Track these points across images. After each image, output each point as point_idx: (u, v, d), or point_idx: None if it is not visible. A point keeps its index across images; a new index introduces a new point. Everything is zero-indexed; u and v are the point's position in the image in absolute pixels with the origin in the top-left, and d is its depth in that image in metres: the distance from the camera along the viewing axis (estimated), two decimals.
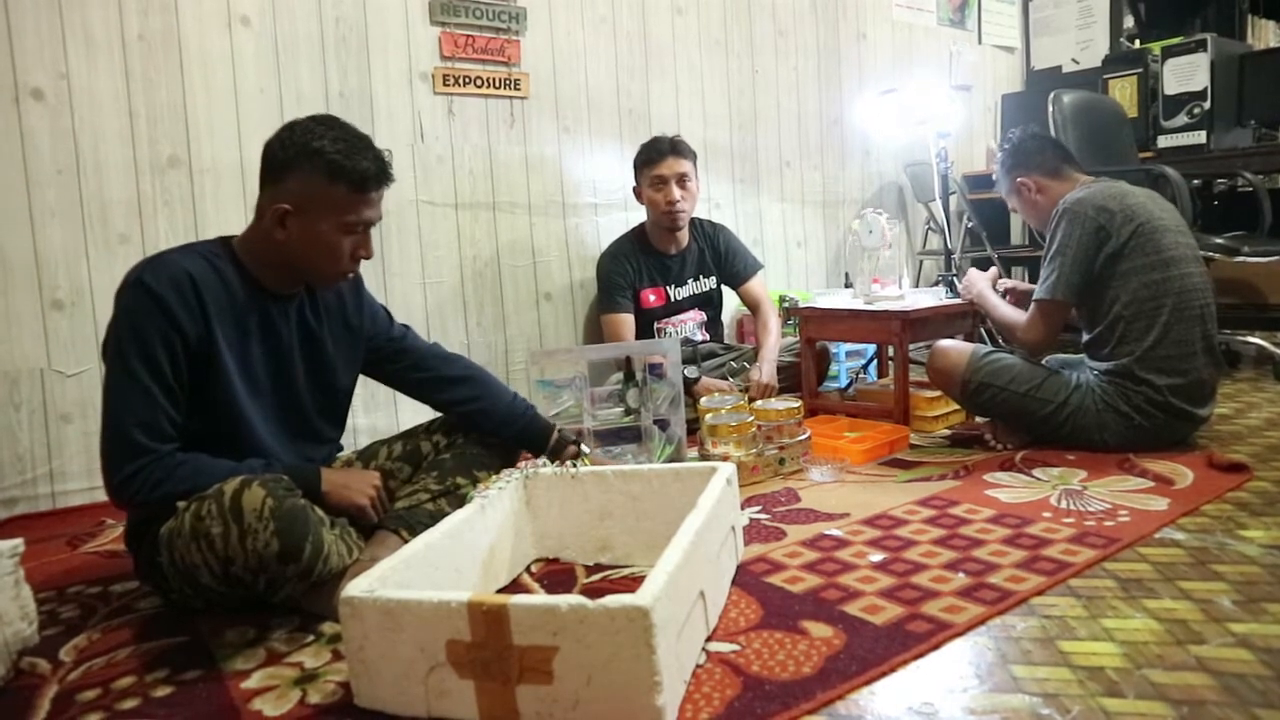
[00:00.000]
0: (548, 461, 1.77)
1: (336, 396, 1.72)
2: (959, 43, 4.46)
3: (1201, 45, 3.59)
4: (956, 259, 3.38)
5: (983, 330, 2.95)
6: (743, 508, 1.88)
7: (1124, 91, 3.84)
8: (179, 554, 1.32)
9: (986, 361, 2.25)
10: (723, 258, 2.97)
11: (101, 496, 1.91)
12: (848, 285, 3.48)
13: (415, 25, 2.71)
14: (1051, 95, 3.26)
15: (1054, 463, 2.11)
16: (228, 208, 2.40)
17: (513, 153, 2.93)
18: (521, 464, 1.80)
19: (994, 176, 2.45)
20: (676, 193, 2.75)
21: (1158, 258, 2.09)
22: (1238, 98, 3.68)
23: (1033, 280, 2.51)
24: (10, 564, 1.31)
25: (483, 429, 1.81)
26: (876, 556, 1.59)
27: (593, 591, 1.46)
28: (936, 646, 1.23)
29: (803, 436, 2.23)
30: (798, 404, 2.26)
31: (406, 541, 1.45)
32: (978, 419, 2.51)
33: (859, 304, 2.67)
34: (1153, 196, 2.22)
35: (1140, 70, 3.80)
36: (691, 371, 2.61)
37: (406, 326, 1.85)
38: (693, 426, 2.35)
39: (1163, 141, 3.68)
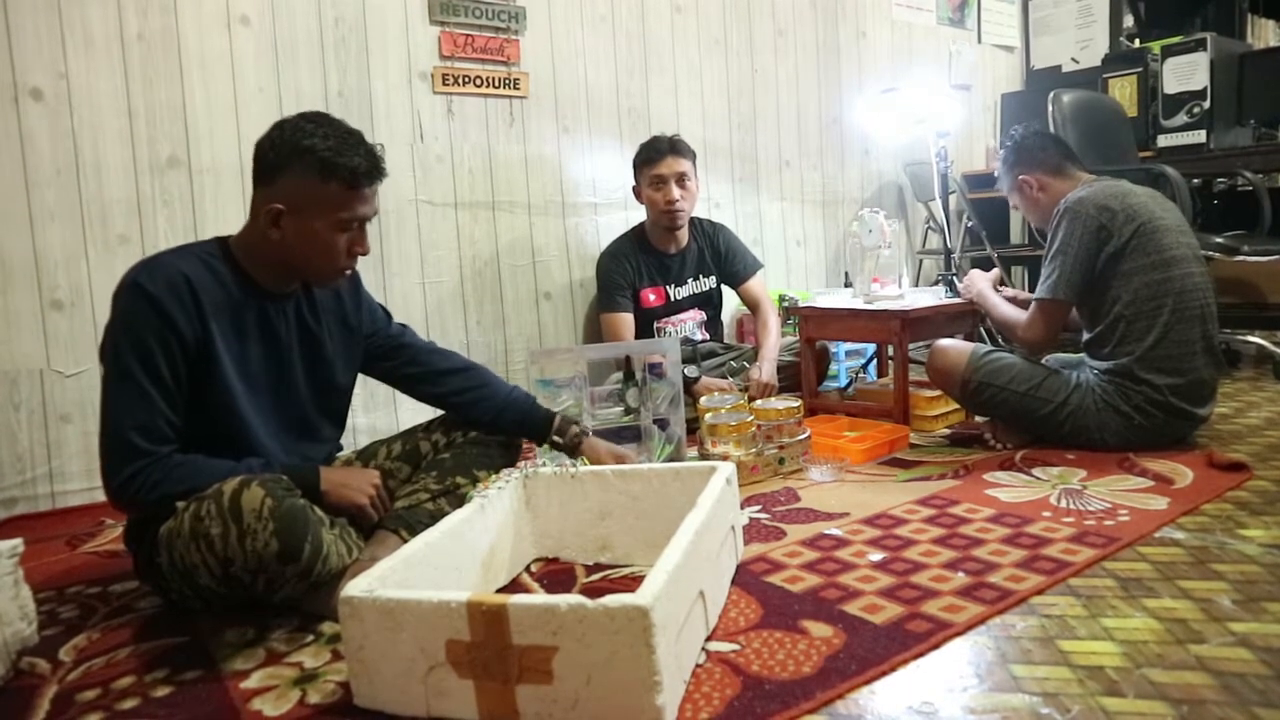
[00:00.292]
0: (552, 455, 1.77)
1: (335, 396, 1.72)
2: (958, 42, 4.46)
3: (1201, 44, 3.59)
4: (956, 258, 3.38)
5: (982, 330, 2.95)
6: (742, 507, 1.88)
7: (1124, 91, 3.84)
8: (178, 554, 1.32)
9: (986, 361, 2.25)
10: (722, 257, 2.97)
11: (101, 496, 1.91)
12: (847, 285, 3.48)
13: (414, 25, 2.71)
14: (1051, 95, 3.26)
15: (1054, 462, 2.11)
16: (227, 208, 2.39)
17: (512, 152, 2.93)
18: (521, 463, 1.80)
19: (996, 173, 2.45)
20: (676, 192, 2.75)
21: (1159, 257, 2.09)
22: (1237, 97, 3.68)
23: (1033, 280, 2.51)
24: (10, 564, 1.31)
25: (482, 420, 1.81)
26: (876, 556, 1.59)
27: (592, 591, 1.46)
28: (936, 646, 1.23)
29: (802, 436, 2.23)
30: (797, 403, 2.26)
31: (406, 541, 1.45)
32: (977, 418, 2.51)
33: (859, 303, 2.67)
34: (1154, 196, 2.22)
35: (1140, 69, 3.79)
36: (691, 371, 2.61)
37: (404, 325, 1.85)
38: (692, 426, 2.35)
39: (1162, 141, 3.68)
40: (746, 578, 1.51)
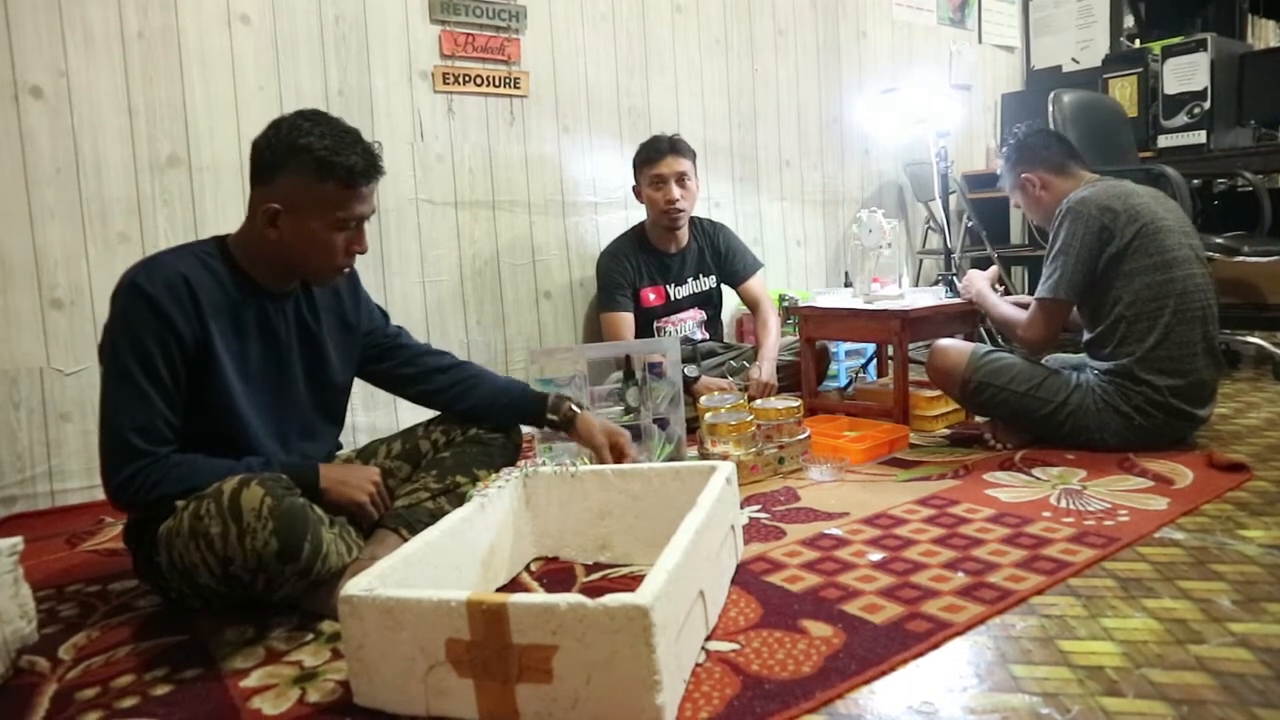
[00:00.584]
0: (552, 454, 1.77)
1: (333, 394, 1.72)
2: (959, 42, 4.46)
3: (1201, 45, 3.59)
4: (956, 258, 3.38)
5: (982, 329, 2.95)
6: (742, 507, 1.88)
7: (1124, 91, 3.84)
8: (178, 553, 1.32)
9: (986, 361, 2.25)
10: (722, 257, 2.97)
11: (100, 495, 1.91)
12: (847, 284, 3.49)
13: (415, 24, 2.71)
14: (1051, 95, 3.26)
15: (1054, 462, 2.11)
16: (227, 206, 2.39)
17: (512, 151, 2.93)
18: (521, 462, 1.80)
19: (998, 171, 2.44)
20: (676, 192, 2.75)
21: (1160, 258, 2.09)
22: (1238, 97, 3.68)
23: (1033, 280, 2.51)
24: (9, 562, 1.31)
25: (477, 410, 1.80)
26: (876, 556, 1.59)
27: (592, 590, 1.46)
28: (936, 646, 1.23)
29: (802, 436, 2.23)
30: (797, 403, 2.26)
31: (406, 540, 1.45)
32: (977, 418, 2.51)
33: (858, 303, 2.67)
34: (1157, 196, 2.22)
35: (1140, 70, 3.79)
36: (691, 370, 2.61)
37: (400, 326, 1.85)
38: (692, 425, 2.35)
39: (1163, 141, 3.68)
40: (746, 577, 1.51)
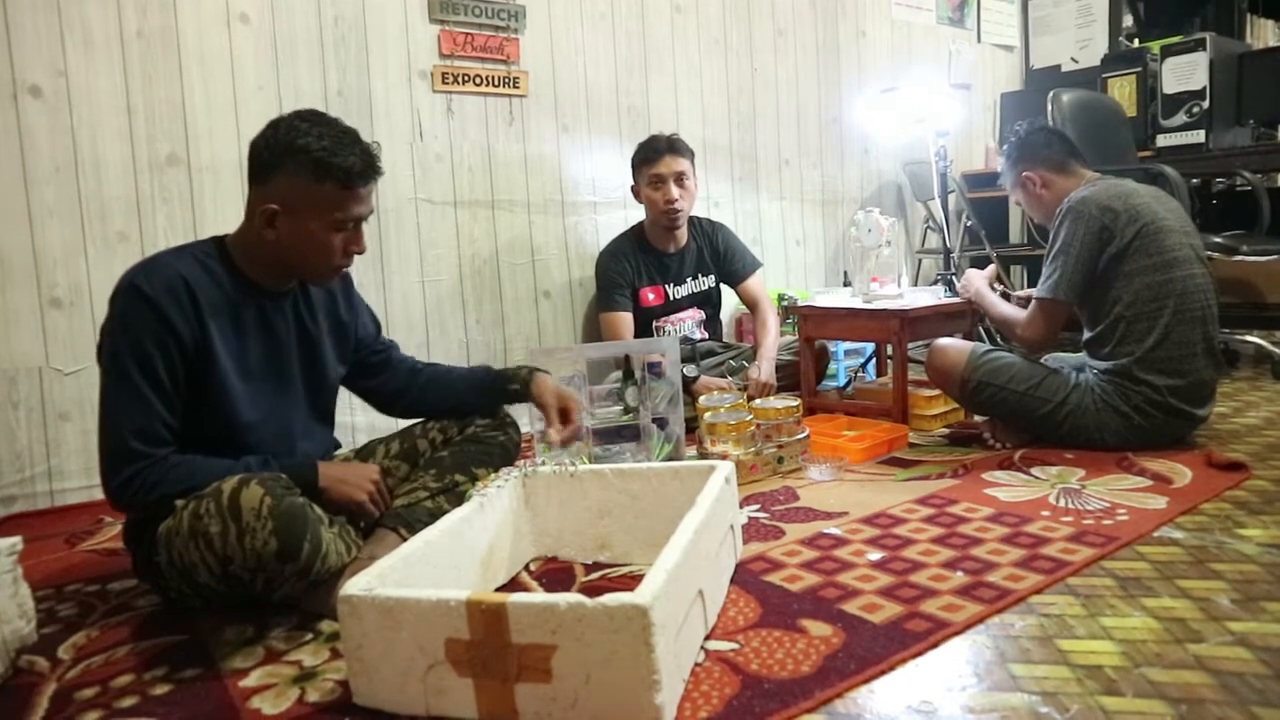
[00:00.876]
0: (551, 454, 1.77)
1: (328, 393, 1.73)
2: (958, 41, 4.46)
3: (1200, 44, 3.59)
4: (955, 258, 3.38)
5: (981, 329, 2.95)
6: (741, 506, 1.88)
7: (1123, 90, 3.84)
8: (177, 552, 1.32)
9: (985, 360, 2.25)
10: (721, 256, 2.97)
11: (99, 495, 1.91)
12: (846, 284, 3.48)
13: (414, 23, 2.71)
14: (1051, 94, 3.26)
15: (1053, 461, 2.11)
16: (226, 206, 2.39)
17: (512, 151, 2.93)
18: (520, 462, 1.80)
19: (999, 169, 2.44)
20: (674, 191, 2.75)
21: (1160, 259, 2.09)
22: (1237, 97, 3.68)
23: (1032, 279, 2.51)
24: (9, 562, 1.31)
25: (465, 406, 1.81)
26: (875, 555, 1.59)
27: (591, 590, 1.46)
28: (935, 645, 1.24)
29: (801, 435, 2.23)
30: (796, 402, 2.26)
31: (405, 539, 1.45)
32: (976, 418, 2.51)
33: (858, 303, 2.68)
34: (1158, 196, 2.22)
35: (1139, 69, 3.80)
36: (690, 370, 2.61)
37: (391, 340, 1.87)
38: (691, 425, 2.35)
39: (1161, 140, 3.68)
40: (745, 577, 1.51)
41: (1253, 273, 3.68)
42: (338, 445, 1.80)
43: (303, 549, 1.30)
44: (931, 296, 2.71)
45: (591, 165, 3.12)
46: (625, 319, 2.81)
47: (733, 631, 1.31)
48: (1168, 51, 3.68)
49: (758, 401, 2.30)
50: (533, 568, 1.64)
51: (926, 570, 1.50)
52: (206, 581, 1.33)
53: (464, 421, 1.81)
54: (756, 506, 1.92)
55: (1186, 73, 3.61)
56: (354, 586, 1.14)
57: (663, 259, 2.90)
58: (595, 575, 1.59)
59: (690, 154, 2.81)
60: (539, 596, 1.09)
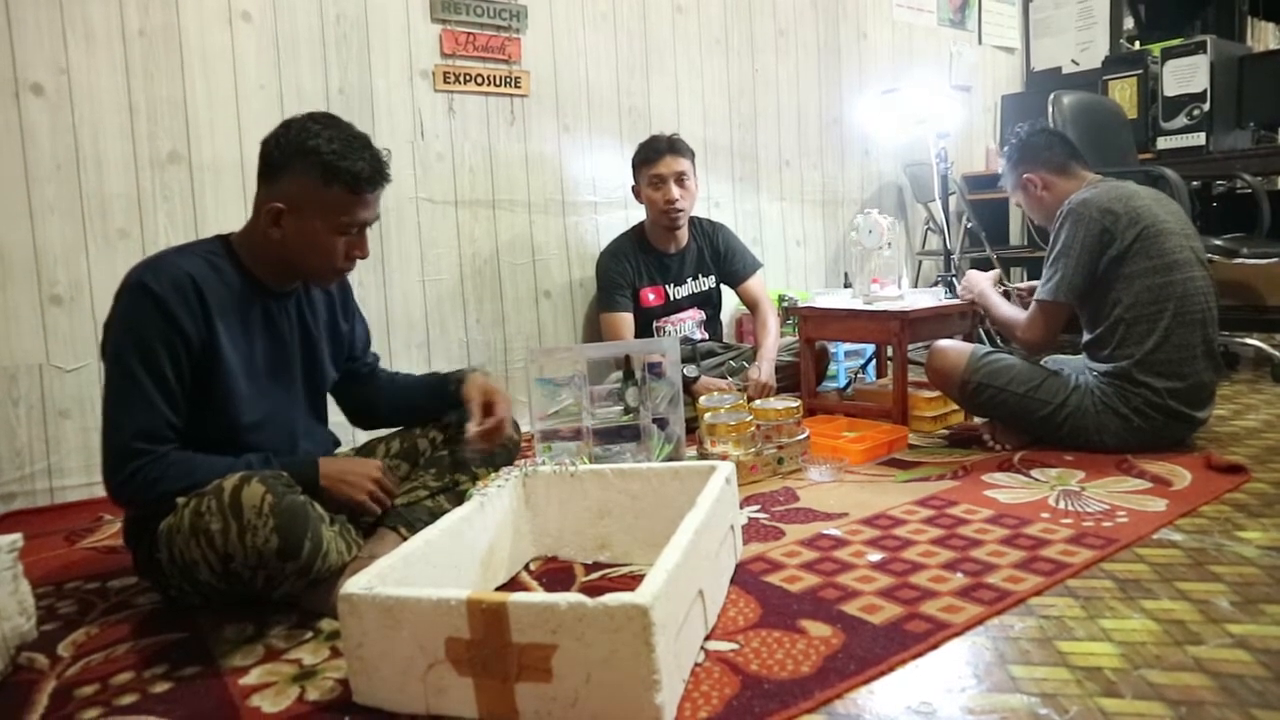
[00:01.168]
0: (551, 454, 1.77)
1: (324, 394, 1.73)
2: (959, 43, 4.47)
3: (1201, 47, 3.59)
4: (956, 259, 3.39)
5: (981, 331, 2.95)
6: (741, 507, 1.88)
7: (1124, 93, 3.84)
8: (178, 550, 1.32)
9: (985, 362, 2.25)
10: (722, 256, 2.97)
11: (99, 492, 1.91)
12: (847, 285, 3.49)
13: (416, 23, 2.71)
14: (1051, 96, 3.27)
15: (1052, 463, 2.11)
16: (228, 204, 2.39)
17: (513, 150, 2.93)
18: (521, 461, 1.80)
19: (1000, 171, 2.44)
20: (675, 191, 2.75)
21: (1161, 261, 2.09)
22: (1237, 99, 3.68)
23: (1033, 280, 2.52)
24: (9, 559, 1.31)
25: (425, 413, 1.80)
26: (875, 556, 1.59)
27: (591, 590, 1.46)
28: (935, 646, 1.24)
29: (801, 436, 2.23)
30: (796, 403, 2.26)
31: (405, 538, 1.46)
32: (976, 419, 2.51)
33: (858, 304, 2.68)
34: (1158, 198, 2.22)
35: (1140, 71, 3.80)
36: (691, 370, 2.61)
37: (377, 355, 1.88)
38: (691, 425, 2.35)
39: (1162, 143, 3.68)
40: (745, 577, 1.51)
41: (1253, 275, 3.68)
42: (338, 443, 1.80)
43: (303, 547, 1.30)
44: (932, 298, 2.72)
45: (592, 165, 3.12)
46: (626, 319, 2.81)
47: (733, 632, 1.31)
48: (1168, 54, 3.68)
49: (758, 402, 2.30)
50: (533, 567, 1.64)
51: (926, 571, 1.50)
52: (207, 579, 1.33)
53: (465, 420, 1.81)
54: (756, 507, 1.92)
55: (1187, 75, 3.61)
56: (354, 585, 1.14)
57: (663, 259, 2.90)
58: (595, 575, 1.59)
59: (691, 154, 2.81)
60: (539, 596, 1.09)
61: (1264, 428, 2.39)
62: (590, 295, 3.10)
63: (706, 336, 2.99)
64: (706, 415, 2.21)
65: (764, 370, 2.70)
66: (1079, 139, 3.12)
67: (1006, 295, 2.54)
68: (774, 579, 1.50)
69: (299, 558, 1.30)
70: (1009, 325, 2.34)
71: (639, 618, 1.01)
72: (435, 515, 1.52)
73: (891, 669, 1.18)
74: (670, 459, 2.18)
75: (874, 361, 3.21)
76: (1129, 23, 4.64)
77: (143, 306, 1.40)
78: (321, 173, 1.45)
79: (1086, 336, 2.25)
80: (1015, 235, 4.46)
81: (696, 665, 1.20)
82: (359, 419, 1.89)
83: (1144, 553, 1.54)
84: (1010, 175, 2.37)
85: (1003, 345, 3.00)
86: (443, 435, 1.80)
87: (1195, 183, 3.62)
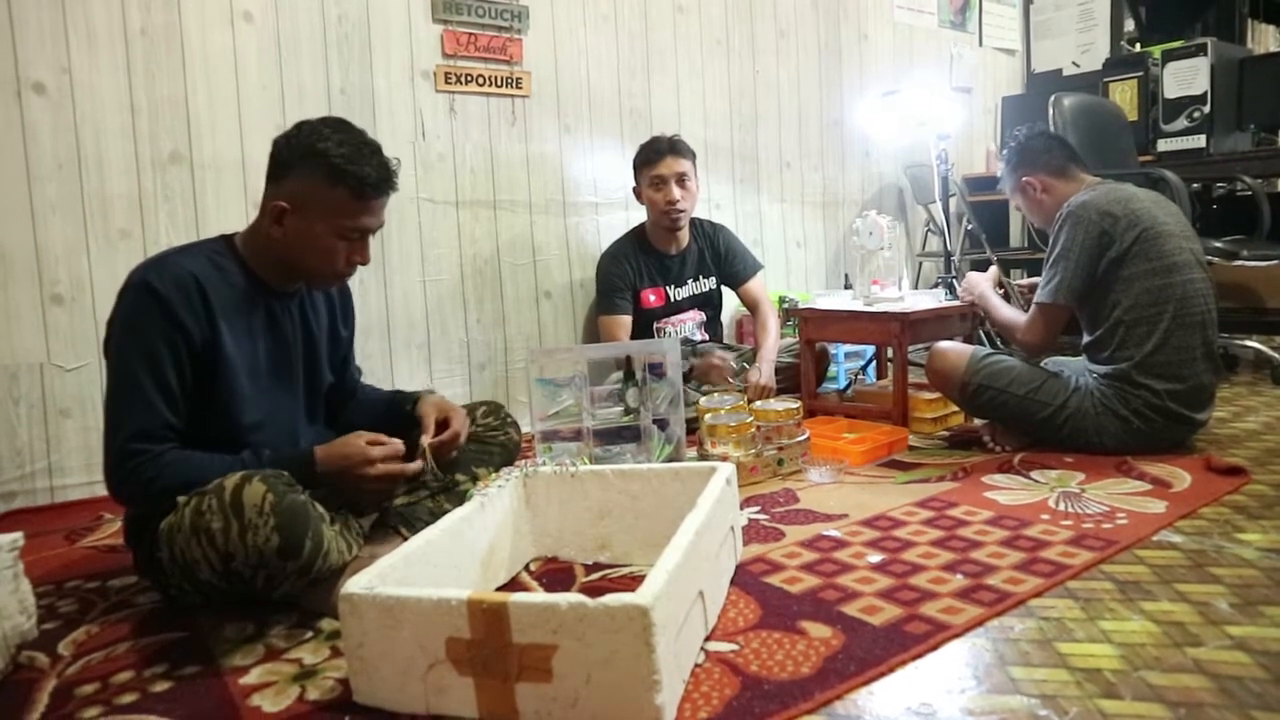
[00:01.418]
0: (551, 454, 1.76)
1: (322, 395, 1.73)
2: (960, 45, 4.47)
3: (1202, 49, 3.59)
4: (956, 261, 3.39)
5: (982, 332, 2.95)
6: (741, 508, 1.88)
7: (1124, 95, 3.85)
8: (179, 549, 1.32)
9: (986, 363, 2.25)
10: (722, 258, 2.97)
11: (100, 491, 1.91)
12: (847, 286, 3.49)
13: (417, 23, 2.71)
14: (1052, 98, 3.27)
15: (1052, 465, 2.11)
16: (229, 204, 2.39)
17: (514, 151, 2.93)
18: (521, 462, 1.80)
19: (999, 174, 2.45)
20: (676, 192, 2.75)
21: (1160, 263, 2.10)
22: (1237, 102, 3.68)
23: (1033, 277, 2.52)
24: (9, 558, 1.31)
25: (368, 423, 1.71)
26: (875, 557, 1.59)
27: (592, 590, 1.46)
28: (935, 647, 1.24)
29: (801, 437, 2.23)
30: (797, 405, 2.26)
31: (406, 539, 1.46)
32: (976, 421, 2.51)
33: (858, 305, 2.68)
34: (1158, 200, 2.22)
35: (1140, 74, 3.80)
36: (687, 362, 2.61)
37: (359, 369, 1.87)
38: (692, 426, 2.35)
39: (1162, 145, 3.69)
40: (745, 578, 1.52)
41: (1252, 278, 3.67)
42: None
43: (304, 546, 1.30)
44: (932, 299, 2.72)
45: (593, 166, 3.12)
46: (625, 323, 2.81)
47: (733, 633, 1.31)
48: (1169, 56, 3.68)
49: (758, 404, 2.30)
50: (533, 568, 1.64)
51: (926, 573, 1.50)
52: (208, 578, 1.33)
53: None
54: (757, 508, 1.93)
55: (1187, 77, 3.61)
56: (355, 585, 1.14)
57: (664, 260, 2.90)
58: (595, 576, 1.59)
59: (692, 155, 2.81)
60: (540, 596, 1.09)
61: (1264, 430, 2.39)
62: (591, 296, 3.10)
63: (707, 338, 2.99)
64: (707, 416, 2.21)
65: (764, 372, 2.70)
66: (1079, 141, 3.13)
67: (1006, 297, 2.54)
68: (774, 580, 1.50)
69: (300, 557, 1.31)
70: (1009, 327, 2.35)
71: (639, 618, 1.01)
72: (436, 515, 1.52)
73: (891, 670, 1.18)
74: (670, 460, 2.18)
75: (874, 363, 3.21)
76: (1129, 25, 4.64)
77: (146, 306, 1.40)
78: (327, 175, 1.45)
79: (1086, 338, 2.25)
80: (1015, 237, 4.46)
81: (696, 666, 1.20)
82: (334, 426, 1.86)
83: (1144, 554, 1.54)
84: (1009, 178, 2.38)
85: (1003, 347, 3.01)
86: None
87: (1195, 185, 3.62)
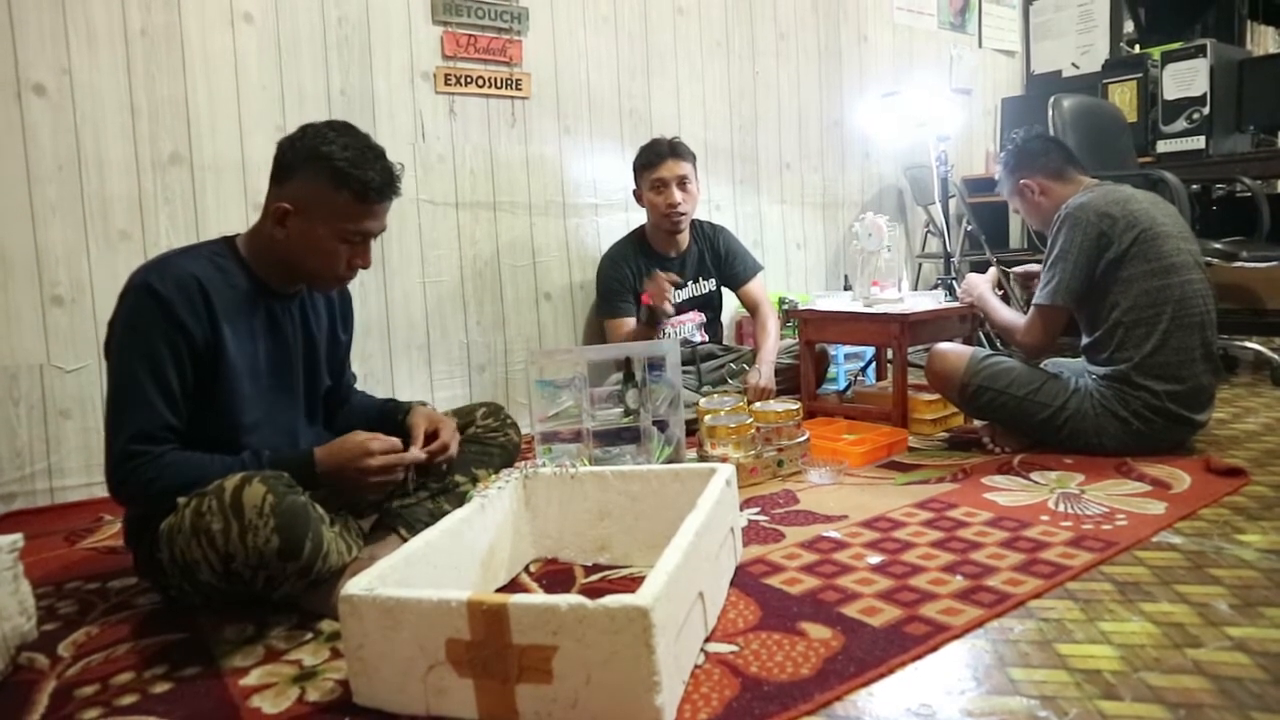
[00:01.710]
0: (551, 456, 1.76)
1: (320, 397, 1.73)
2: (959, 46, 4.47)
3: (1201, 50, 3.60)
4: (956, 262, 3.39)
5: (981, 334, 2.96)
6: (741, 509, 1.88)
7: (1124, 96, 3.85)
8: (179, 550, 1.32)
9: (985, 364, 2.25)
10: (723, 259, 2.97)
11: (99, 492, 1.92)
12: (847, 288, 3.49)
13: (417, 24, 2.71)
14: (1051, 99, 3.27)
15: (1052, 466, 2.11)
16: (228, 205, 2.40)
17: (513, 152, 2.93)
18: (521, 463, 1.80)
19: (997, 176, 2.45)
20: (677, 195, 2.75)
21: (1159, 264, 2.10)
22: (1237, 103, 3.69)
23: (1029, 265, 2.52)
24: (9, 559, 1.31)
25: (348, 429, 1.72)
26: (874, 559, 1.59)
27: (591, 591, 1.46)
28: (934, 648, 1.24)
29: (801, 438, 2.23)
30: (796, 406, 2.26)
31: (405, 540, 1.46)
32: (976, 422, 2.51)
33: (858, 306, 2.68)
34: (1155, 201, 2.22)
35: (1140, 75, 3.80)
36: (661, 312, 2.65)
37: (354, 375, 1.87)
38: (692, 428, 2.35)
39: (1162, 146, 3.69)
40: (745, 579, 1.52)
41: (1252, 279, 3.67)
42: None
43: (304, 547, 1.30)
44: (932, 301, 2.72)
45: (593, 167, 3.12)
46: (628, 325, 2.82)
47: (732, 634, 1.31)
48: (1168, 57, 3.69)
49: (758, 405, 2.30)
50: (533, 569, 1.65)
51: (926, 574, 1.50)
52: (208, 579, 1.33)
53: (465, 422, 1.82)
54: (756, 509, 1.93)
55: (1187, 79, 3.62)
56: (355, 586, 1.14)
57: (664, 262, 2.90)
58: (595, 577, 1.59)
59: (692, 157, 2.81)
60: (540, 597, 1.09)
61: (1263, 431, 2.39)
62: (591, 298, 3.10)
63: (707, 339, 2.99)
64: (706, 418, 2.21)
65: (763, 374, 2.70)
66: (1079, 143, 3.13)
67: (1006, 298, 2.55)
68: (774, 581, 1.51)
69: (300, 558, 1.31)
70: (1008, 329, 2.35)
71: (639, 619, 1.01)
72: (436, 516, 1.52)
73: (891, 671, 1.18)
74: (670, 461, 2.18)
75: (874, 364, 3.21)
76: (1129, 26, 4.65)
77: (147, 307, 1.40)
78: (331, 178, 1.46)
79: (1085, 340, 2.25)
80: (1015, 238, 4.46)
81: (696, 667, 1.20)
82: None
83: (1143, 555, 1.54)
84: (1007, 181, 2.38)
85: (1003, 348, 3.01)
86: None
87: (1195, 186, 3.62)
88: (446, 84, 2.76)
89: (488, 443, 1.81)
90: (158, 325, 1.40)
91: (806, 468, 2.18)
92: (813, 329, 2.77)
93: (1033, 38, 4.79)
